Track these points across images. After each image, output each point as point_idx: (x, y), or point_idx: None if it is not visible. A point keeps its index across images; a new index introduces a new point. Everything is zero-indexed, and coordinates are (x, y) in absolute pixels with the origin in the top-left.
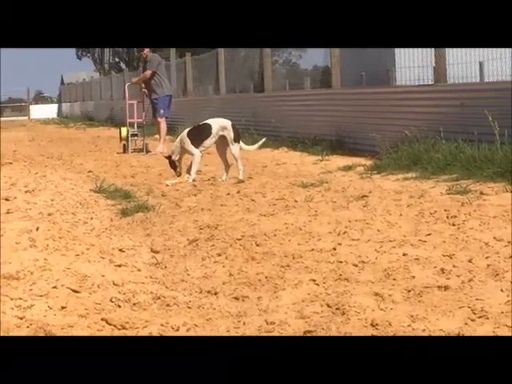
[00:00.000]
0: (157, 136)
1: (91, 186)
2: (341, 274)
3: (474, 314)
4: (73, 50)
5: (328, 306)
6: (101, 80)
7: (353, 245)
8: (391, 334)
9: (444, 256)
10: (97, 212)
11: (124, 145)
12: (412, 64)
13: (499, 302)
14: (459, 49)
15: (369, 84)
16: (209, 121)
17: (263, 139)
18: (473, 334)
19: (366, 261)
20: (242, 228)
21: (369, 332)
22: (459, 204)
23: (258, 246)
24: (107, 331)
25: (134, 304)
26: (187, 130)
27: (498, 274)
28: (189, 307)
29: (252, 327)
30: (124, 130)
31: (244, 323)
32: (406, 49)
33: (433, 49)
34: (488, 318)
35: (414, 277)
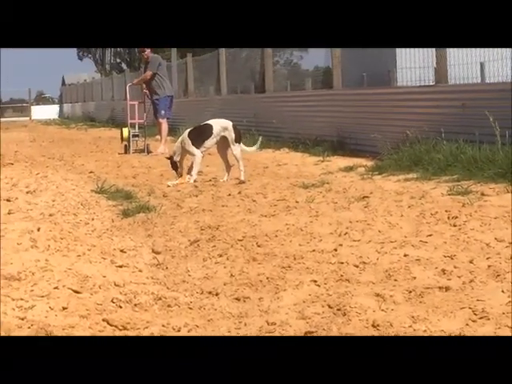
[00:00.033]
0: (158, 137)
1: (92, 186)
2: (342, 275)
3: (475, 314)
4: (74, 51)
5: (329, 306)
6: (102, 81)
7: (354, 245)
8: (392, 335)
9: (445, 257)
10: (98, 213)
11: (125, 145)
12: (413, 65)
13: (500, 302)
14: (460, 49)
15: (370, 85)
16: (210, 121)
17: (260, 138)
18: (474, 335)
19: (367, 261)
20: (243, 229)
21: (370, 333)
22: (460, 205)
23: (259, 246)
24: (108, 332)
25: (136, 305)
26: (188, 130)
27: (499, 275)
28: (190, 308)
29: (253, 328)
30: (125, 131)
31: (245, 324)
32: (407, 49)
33: (434, 49)
34: (489, 319)
35: (415, 277)
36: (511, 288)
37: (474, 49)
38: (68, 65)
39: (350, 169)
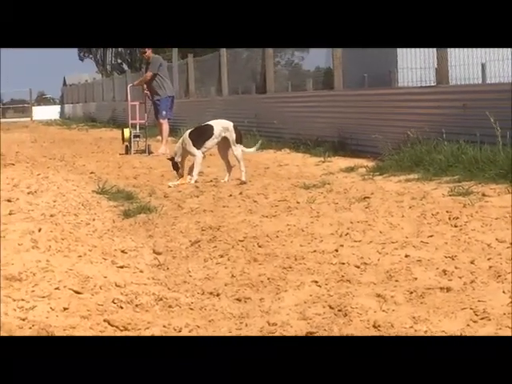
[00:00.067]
0: (159, 137)
1: (93, 187)
2: (343, 276)
3: (476, 315)
4: (75, 52)
5: (330, 307)
6: (103, 81)
7: (355, 246)
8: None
9: (446, 257)
10: (99, 213)
11: (126, 146)
12: (414, 65)
13: (501, 303)
14: (461, 50)
15: (371, 85)
16: (211, 122)
17: (259, 141)
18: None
19: (368, 262)
20: (244, 229)
21: (371, 333)
22: (461, 205)
23: (260, 247)
24: (109, 332)
25: (137, 305)
26: (189, 131)
27: (500, 276)
28: (191, 308)
29: (254, 328)
30: (127, 131)
31: (246, 324)
32: (408, 50)
33: (435, 50)
34: (490, 320)
35: (416, 278)
36: None
37: (475, 49)
38: (69, 65)
39: (350, 169)
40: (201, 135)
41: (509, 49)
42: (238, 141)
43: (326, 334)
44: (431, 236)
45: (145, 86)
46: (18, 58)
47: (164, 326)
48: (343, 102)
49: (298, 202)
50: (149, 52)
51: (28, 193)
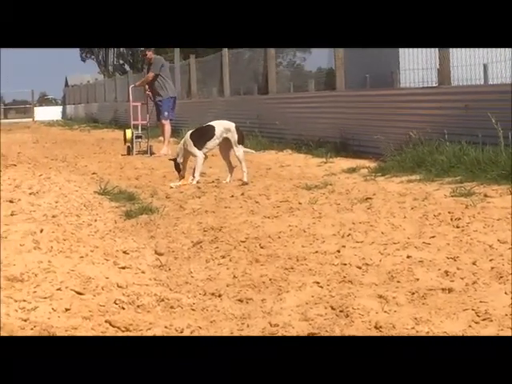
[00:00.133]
0: (161, 138)
1: (95, 188)
2: (345, 277)
3: (478, 316)
4: (77, 52)
5: (332, 308)
6: (105, 82)
7: (357, 247)
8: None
9: (448, 258)
10: (101, 214)
11: (128, 147)
12: (416, 66)
13: (503, 304)
14: (463, 51)
15: (373, 86)
16: (212, 123)
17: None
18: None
19: (369, 263)
20: (246, 230)
21: (372, 334)
22: (463, 206)
23: (262, 248)
24: (111, 333)
25: (138, 306)
26: (190, 131)
27: (501, 277)
28: (193, 309)
29: (256, 329)
30: (129, 132)
31: (248, 325)
32: (410, 51)
33: (437, 51)
34: (492, 321)
35: (417, 279)
36: None
37: (477, 50)
38: (71, 66)
39: (352, 170)
40: (202, 136)
41: (511, 49)
42: (240, 142)
43: (327, 334)
44: (433, 237)
45: (147, 86)
46: (21, 59)
47: (166, 327)
48: (345, 103)
49: (299, 203)
50: (150, 54)
51: (30, 193)
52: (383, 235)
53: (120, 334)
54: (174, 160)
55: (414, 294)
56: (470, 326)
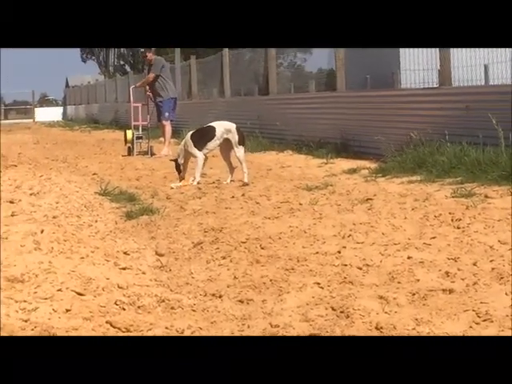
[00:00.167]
0: (162, 139)
1: (96, 188)
2: (345, 277)
3: (479, 317)
4: (77, 53)
5: (332, 309)
6: (106, 83)
7: (357, 248)
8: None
9: (449, 259)
10: (101, 215)
11: (129, 147)
12: (417, 67)
13: (504, 305)
14: (464, 51)
15: (373, 87)
16: (213, 123)
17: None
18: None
19: (370, 264)
20: (247, 231)
21: (373, 335)
22: (464, 207)
23: (262, 248)
24: (112, 334)
25: (139, 307)
26: (191, 132)
27: (502, 278)
28: (193, 310)
29: (256, 330)
30: (129, 133)
31: (248, 326)
32: (411, 51)
33: (437, 51)
34: (492, 322)
35: (418, 280)
36: None
37: (477, 51)
38: (72, 67)
39: (353, 171)
40: (203, 137)
41: None
42: (241, 142)
43: (328, 335)
44: (434, 238)
45: (147, 87)
46: (21, 60)
47: (166, 328)
48: (346, 104)
49: (300, 204)
50: (150, 55)
51: (30, 194)
52: (384, 236)
53: (120, 334)
54: (175, 161)
55: (414, 294)
56: (470, 327)
